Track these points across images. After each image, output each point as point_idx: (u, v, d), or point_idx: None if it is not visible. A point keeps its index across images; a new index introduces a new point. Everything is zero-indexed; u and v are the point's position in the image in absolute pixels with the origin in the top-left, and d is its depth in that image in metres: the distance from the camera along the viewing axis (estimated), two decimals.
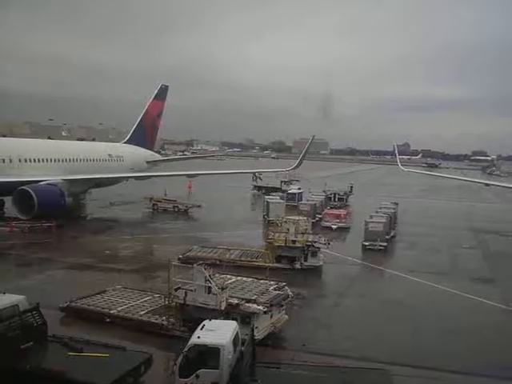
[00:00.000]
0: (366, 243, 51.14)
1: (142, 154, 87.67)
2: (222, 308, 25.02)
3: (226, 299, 25.44)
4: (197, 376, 17.86)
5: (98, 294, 31.29)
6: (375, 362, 23.17)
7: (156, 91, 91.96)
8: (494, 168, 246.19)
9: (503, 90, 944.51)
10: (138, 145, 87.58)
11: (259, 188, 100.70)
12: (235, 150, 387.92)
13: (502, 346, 27.66)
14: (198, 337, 18.76)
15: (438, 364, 24.68)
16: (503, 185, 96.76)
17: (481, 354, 26.24)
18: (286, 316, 28.37)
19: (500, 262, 49.17)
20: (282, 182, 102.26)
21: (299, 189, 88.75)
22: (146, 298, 30.78)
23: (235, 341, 19.16)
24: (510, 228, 69.30)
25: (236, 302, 25.80)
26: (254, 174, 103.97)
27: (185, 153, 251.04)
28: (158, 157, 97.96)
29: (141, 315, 28.16)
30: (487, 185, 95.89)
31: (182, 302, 25.76)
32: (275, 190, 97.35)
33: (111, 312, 28.45)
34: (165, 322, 26.72)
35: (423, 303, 34.55)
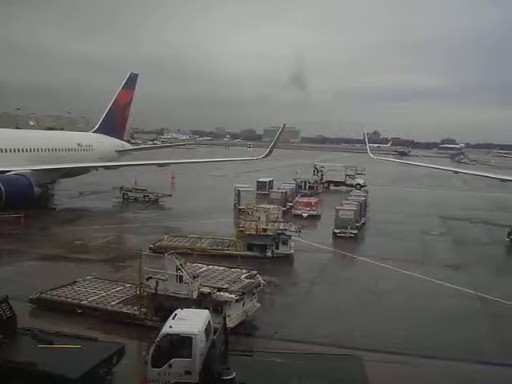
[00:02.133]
0: (337, 231, 51.47)
1: (111, 143, 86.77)
2: (194, 297, 25.01)
3: (198, 288, 25.42)
4: (169, 365, 17.83)
5: (69, 284, 30.97)
6: (348, 349, 23.43)
7: (125, 80, 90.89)
8: (462, 156, 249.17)
9: (472, 80, 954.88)
10: (107, 134, 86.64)
11: (321, 182, 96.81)
12: (206, 138, 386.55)
13: (471, 330, 28.22)
14: (170, 326, 18.72)
15: (409, 349, 25.04)
16: (471, 172, 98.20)
17: (450, 339, 26.72)
18: (258, 304, 28.47)
19: (468, 248, 49.92)
20: (346, 175, 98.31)
21: (364, 183, 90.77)
22: (117, 288, 30.60)
23: (207, 329, 19.15)
24: (478, 215, 70.33)
25: (208, 290, 25.81)
26: (315, 167, 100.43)
27: (155, 142, 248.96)
28: (127, 146, 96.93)
29: (112, 305, 28.00)
30: (456, 172, 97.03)
31: (154, 291, 25.67)
32: (338, 183, 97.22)
33: (82, 303, 28.21)
34: (136, 312, 26.61)
35: (394, 290, 34.95)
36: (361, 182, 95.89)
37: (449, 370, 23.33)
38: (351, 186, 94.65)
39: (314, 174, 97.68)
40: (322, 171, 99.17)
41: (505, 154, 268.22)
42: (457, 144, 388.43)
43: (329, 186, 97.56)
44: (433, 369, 23.43)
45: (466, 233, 57.70)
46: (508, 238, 51.19)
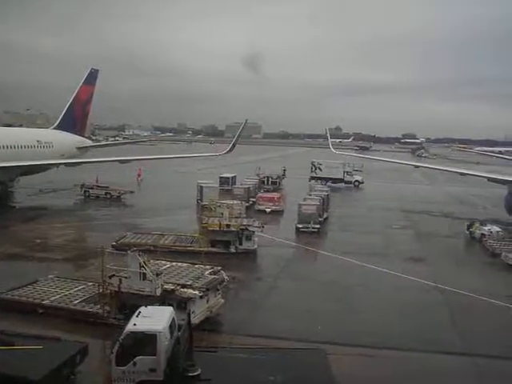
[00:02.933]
0: (300, 225, 51.75)
1: (72, 139, 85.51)
2: (158, 294, 24.94)
3: (162, 285, 25.38)
4: (134, 363, 17.71)
5: (30, 284, 30.52)
6: (312, 342, 23.59)
7: (85, 76, 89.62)
8: (422, 150, 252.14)
9: (432, 75, 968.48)
10: (67, 131, 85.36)
11: (319, 179, 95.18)
12: (168, 134, 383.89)
13: (431, 321, 28.71)
14: (134, 324, 18.59)
15: (372, 341, 25.37)
16: (431, 166, 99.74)
17: (411, 330, 27.16)
18: (223, 300, 28.48)
19: (429, 241, 50.76)
20: (344, 172, 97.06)
21: (362, 180, 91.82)
22: (79, 287, 30.27)
23: (172, 326, 19.08)
24: (439, 208, 71.43)
25: (171, 287, 25.78)
26: (312, 164, 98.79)
27: (116, 138, 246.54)
28: (88, 142, 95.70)
29: (75, 304, 27.73)
30: (416, 167, 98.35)
31: (117, 289, 25.53)
32: (337, 180, 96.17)
33: (44, 303, 27.84)
34: (100, 311, 26.38)
35: (357, 283, 35.32)
36: (359, 178, 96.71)
37: (410, 361, 23.75)
38: (349, 182, 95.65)
39: (311, 171, 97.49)
40: (320, 168, 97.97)
41: (463, 148, 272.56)
42: (417, 139, 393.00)
43: (326, 182, 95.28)
44: (395, 360, 23.80)
45: (427, 226, 58.55)
46: (468, 230, 52.09)
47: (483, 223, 52.26)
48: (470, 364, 23.91)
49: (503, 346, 25.77)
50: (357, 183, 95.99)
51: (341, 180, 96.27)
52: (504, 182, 67.50)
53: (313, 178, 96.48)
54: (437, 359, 24.14)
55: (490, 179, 75.28)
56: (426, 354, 24.48)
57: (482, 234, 49.93)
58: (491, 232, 49.83)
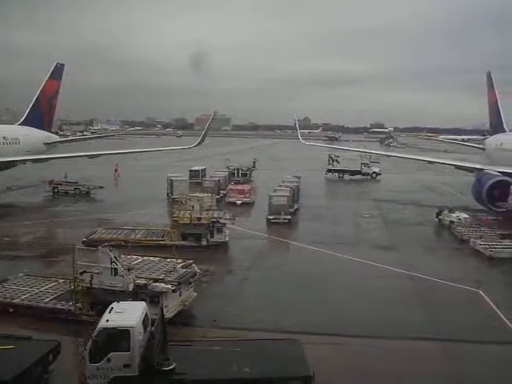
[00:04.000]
0: (271, 217, 51.89)
1: (38, 135, 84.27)
2: (130, 289, 24.83)
3: (134, 280, 25.26)
4: (108, 360, 17.65)
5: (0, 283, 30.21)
6: (286, 333, 23.69)
7: (51, 70, 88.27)
8: (391, 140, 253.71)
9: (399, 65, 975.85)
10: (34, 126, 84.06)
11: (336, 171, 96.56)
12: (137, 128, 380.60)
13: (403, 308, 29.16)
14: (107, 320, 18.52)
15: (346, 330, 25.71)
16: (400, 155, 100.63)
17: (383, 317, 27.54)
18: (195, 293, 28.49)
19: (399, 229, 51.35)
20: (362, 164, 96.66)
21: (380, 171, 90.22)
22: (50, 285, 30.00)
23: (145, 321, 19.05)
24: (408, 196, 72.18)
25: (144, 282, 25.69)
26: (330, 156, 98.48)
27: (84, 133, 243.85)
28: (56, 138, 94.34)
29: (46, 302, 27.47)
30: (388, 156, 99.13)
31: (89, 285, 25.35)
32: (354, 172, 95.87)
33: (14, 301, 27.55)
34: (72, 308, 26.19)
35: (329, 273, 35.59)
36: (377, 170, 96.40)
37: (382, 347, 24.07)
38: (367, 174, 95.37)
39: (329, 164, 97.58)
40: (337, 160, 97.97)
41: (430, 136, 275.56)
42: (386, 128, 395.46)
43: (343, 175, 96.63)
44: (369, 347, 24.08)
45: (396, 214, 59.19)
46: (436, 218, 52.78)
47: (452, 210, 52.97)
48: (440, 348, 24.35)
49: (472, 329, 26.32)
50: (374, 175, 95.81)
51: (358, 172, 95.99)
52: (471, 170, 68.51)
53: (329, 170, 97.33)
54: (408, 344, 24.56)
55: (457, 167, 76.31)
56: (397, 341, 24.92)
57: (451, 221, 50.61)
58: (459, 219, 50.51)
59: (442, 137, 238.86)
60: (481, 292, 31.70)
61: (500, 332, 26.37)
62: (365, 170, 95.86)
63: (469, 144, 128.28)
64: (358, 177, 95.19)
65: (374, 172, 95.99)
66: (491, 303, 29.95)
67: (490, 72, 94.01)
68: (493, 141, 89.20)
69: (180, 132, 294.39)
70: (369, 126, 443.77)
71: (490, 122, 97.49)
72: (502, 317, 27.98)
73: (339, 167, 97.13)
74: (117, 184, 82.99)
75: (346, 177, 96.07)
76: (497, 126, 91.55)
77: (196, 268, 29.27)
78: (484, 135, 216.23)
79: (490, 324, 27.31)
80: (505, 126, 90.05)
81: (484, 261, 39.92)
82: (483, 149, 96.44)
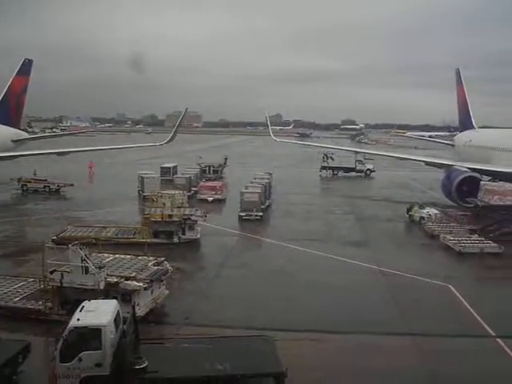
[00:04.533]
0: (243, 214, 51.90)
1: (6, 132, 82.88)
2: (101, 287, 24.64)
3: (105, 278, 25.08)
4: (79, 359, 17.45)
5: None
6: (259, 330, 23.68)
7: (19, 66, 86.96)
8: (362, 136, 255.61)
9: (370, 63, 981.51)
10: (1, 123, 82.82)
11: (330, 168, 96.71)
12: (107, 125, 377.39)
13: (375, 303, 29.40)
14: (78, 319, 18.32)
15: (318, 325, 25.83)
16: (371, 152, 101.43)
17: (356, 313, 27.76)
18: (167, 291, 28.38)
19: (371, 225, 51.72)
20: (356, 161, 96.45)
21: (374, 168, 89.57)
22: (19, 284, 29.47)
23: (117, 320, 18.88)
24: (379, 193, 72.72)
25: (115, 280, 25.50)
26: (324, 154, 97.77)
27: (54, 130, 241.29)
28: (24, 135, 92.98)
29: (15, 302, 27.01)
30: (356, 152, 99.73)
31: (59, 284, 25.08)
32: (348, 170, 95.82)
33: None
34: (42, 307, 25.85)
35: (301, 269, 35.73)
36: (371, 167, 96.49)
37: (355, 343, 24.23)
38: (361, 171, 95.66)
39: (323, 161, 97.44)
40: (332, 158, 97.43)
41: (399, 132, 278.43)
42: (357, 125, 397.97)
43: (338, 172, 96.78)
44: (341, 343, 24.25)
45: (368, 210, 59.61)
46: (407, 214, 53.25)
47: (422, 206, 53.48)
48: (411, 343, 24.62)
49: (442, 324, 26.69)
50: (368, 172, 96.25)
51: (352, 169, 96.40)
52: (441, 166, 69.30)
53: (324, 167, 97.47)
54: (380, 340, 24.76)
55: (427, 163, 77.14)
56: (370, 336, 25.08)
57: (421, 217, 51.13)
58: (430, 215, 51.06)
59: (409, 133, 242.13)
60: (451, 287, 32.09)
61: (469, 325, 26.74)
62: (359, 167, 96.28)
63: (439, 140, 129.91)
64: (353, 174, 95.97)
65: (369, 169, 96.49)
66: (461, 298, 30.34)
67: (458, 69, 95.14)
68: (462, 137, 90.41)
69: (150, 129, 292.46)
70: (340, 123, 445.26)
71: (459, 119, 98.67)
72: (472, 311, 28.37)
73: (334, 164, 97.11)
74: (91, 181, 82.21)
75: (341, 174, 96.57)
76: (466, 123, 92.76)
77: (168, 265, 29.18)
78: (450, 131, 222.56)
79: (459, 318, 27.70)
80: (473, 123, 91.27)
81: (454, 256, 40.40)
82: (453, 145, 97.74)
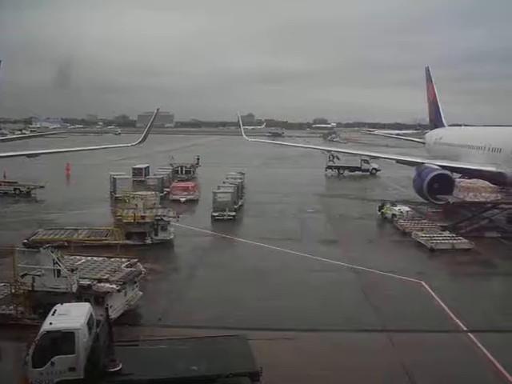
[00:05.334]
0: (215, 214, 51.79)
1: None
2: (74, 290, 24.43)
3: (77, 281, 24.84)
4: (52, 364, 17.25)
5: None
6: (233, 329, 23.64)
7: None
8: (334, 135, 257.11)
9: (341, 61, 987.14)
10: None
11: (336, 168, 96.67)
12: (78, 126, 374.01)
13: (348, 301, 29.66)
14: (50, 323, 18.11)
15: (292, 324, 25.92)
16: (343, 151, 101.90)
17: (330, 310, 27.99)
18: (141, 292, 28.24)
19: (343, 223, 52.05)
20: (361, 160, 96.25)
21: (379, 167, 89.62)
22: None
23: (90, 323, 18.71)
24: (352, 191, 73.08)
25: (88, 282, 25.28)
26: (330, 153, 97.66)
27: (23, 131, 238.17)
28: None
29: None
30: (328, 151, 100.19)
31: (30, 288, 24.79)
32: (354, 169, 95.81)
33: None
34: (13, 312, 25.47)
35: (275, 268, 35.70)
36: (376, 166, 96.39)
37: (329, 340, 24.38)
38: (367, 170, 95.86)
39: (329, 160, 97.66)
40: (337, 157, 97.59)
41: (371, 131, 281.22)
42: (329, 123, 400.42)
43: (343, 172, 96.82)
44: (316, 341, 24.35)
45: (340, 209, 59.89)
46: (379, 211, 53.64)
47: (394, 204, 53.93)
48: (385, 339, 24.81)
49: (415, 319, 26.99)
50: (374, 171, 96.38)
51: (358, 168, 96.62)
52: (412, 164, 69.93)
53: (329, 167, 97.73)
54: (355, 337, 24.99)
55: (399, 161, 77.80)
56: (344, 333, 25.34)
57: (393, 215, 51.56)
58: (401, 212, 51.52)
59: (377, 131, 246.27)
60: (423, 283, 32.45)
61: (442, 321, 27.12)
62: (364, 166, 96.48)
63: (410, 138, 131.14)
64: (358, 173, 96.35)
65: (374, 168, 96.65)
66: (433, 293, 30.70)
67: (428, 67, 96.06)
68: (432, 135, 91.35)
69: (119, 130, 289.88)
70: (312, 122, 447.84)
71: (429, 117, 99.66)
72: (444, 306, 28.76)
73: (340, 164, 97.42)
74: (66, 182, 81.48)
75: (346, 173, 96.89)
76: (436, 121, 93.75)
77: (141, 267, 29.08)
78: (416, 129, 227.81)
79: (432, 313, 28.03)
80: (444, 121, 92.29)
81: (425, 252, 40.83)
82: (423, 143, 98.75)
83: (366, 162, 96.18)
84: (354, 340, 24.59)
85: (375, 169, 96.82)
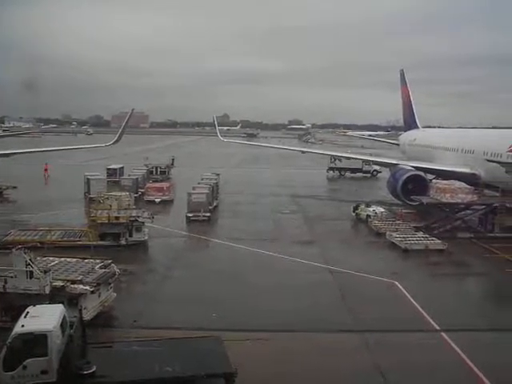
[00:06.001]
0: (190, 214, 51.63)
1: None
2: (47, 292, 24.16)
3: (50, 282, 24.57)
4: (24, 367, 17.02)
5: None
6: (208, 330, 23.55)
7: None
8: (309, 136, 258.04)
9: (316, 63, 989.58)
10: None
11: (337, 169, 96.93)
12: (52, 126, 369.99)
13: (324, 301, 29.72)
14: (22, 325, 17.90)
15: (269, 325, 25.91)
16: (317, 151, 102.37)
17: (306, 311, 27.99)
18: (115, 294, 28.05)
19: (318, 224, 52.14)
20: (363, 162, 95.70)
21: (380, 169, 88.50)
22: None
23: (63, 325, 18.53)
24: (327, 192, 73.36)
25: (61, 284, 25.02)
26: (331, 156, 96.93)
27: None
28: None
29: None
30: (303, 152, 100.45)
31: (2, 290, 24.45)
32: (355, 170, 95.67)
33: None
34: None
35: (250, 269, 35.74)
36: (377, 168, 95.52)
37: (305, 341, 24.44)
38: (368, 172, 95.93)
39: (330, 162, 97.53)
40: (339, 159, 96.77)
41: (344, 132, 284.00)
42: (303, 125, 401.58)
43: (345, 173, 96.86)
44: (291, 342, 24.36)
45: (315, 209, 60.09)
46: (353, 212, 53.91)
47: (368, 205, 54.24)
48: (359, 339, 24.94)
49: (389, 320, 27.23)
50: (375, 172, 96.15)
51: (359, 170, 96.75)
52: (386, 165, 70.51)
53: (331, 168, 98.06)
54: (329, 337, 25.05)
55: (374, 162, 78.38)
56: (318, 334, 25.39)
57: (368, 215, 51.85)
58: (376, 213, 51.82)
59: (350, 132, 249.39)
60: (397, 283, 32.67)
61: (415, 321, 27.31)
62: (366, 167, 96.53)
63: (385, 140, 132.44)
64: (359, 175, 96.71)
65: (375, 170, 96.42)
66: (407, 293, 30.94)
67: (403, 70, 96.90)
68: (407, 137, 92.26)
69: (90, 130, 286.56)
70: (287, 123, 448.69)
71: (403, 119, 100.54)
72: (417, 306, 29.02)
73: (342, 165, 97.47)
74: (44, 183, 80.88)
75: (348, 175, 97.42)
76: (410, 123, 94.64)
77: (115, 268, 28.83)
78: (387, 131, 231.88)
79: (405, 313, 28.25)
80: (417, 123, 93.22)
81: (399, 253, 41.10)
82: (398, 144, 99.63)
83: (368, 163, 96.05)
84: (328, 340, 24.67)
85: (376, 170, 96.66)
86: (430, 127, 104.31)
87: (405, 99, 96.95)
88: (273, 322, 26.24)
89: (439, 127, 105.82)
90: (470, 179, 54.55)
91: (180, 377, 17.95)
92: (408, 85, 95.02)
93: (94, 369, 17.32)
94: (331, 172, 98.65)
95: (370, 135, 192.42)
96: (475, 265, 39.23)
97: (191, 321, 26.03)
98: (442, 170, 61.52)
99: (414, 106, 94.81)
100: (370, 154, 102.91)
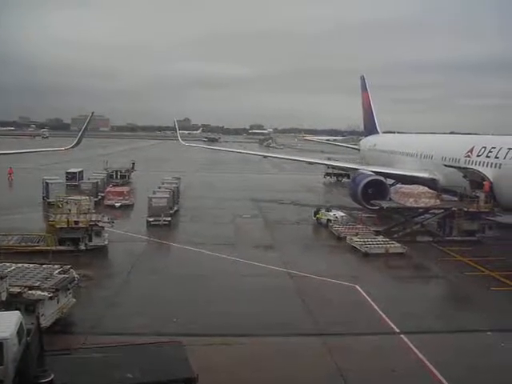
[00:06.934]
0: (151, 219, 51.25)
1: None
2: (3, 298, 23.66)
3: (7, 288, 24.07)
4: None
5: None
6: (169, 335, 23.37)
7: None
8: (270, 141, 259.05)
9: (278, 68, 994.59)
10: None
11: (334, 175, 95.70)
12: (9, 128, 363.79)
13: (284, 306, 29.76)
14: None
15: (228, 329, 25.90)
16: (279, 156, 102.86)
17: (266, 315, 28.03)
18: (74, 299, 27.61)
19: (279, 228, 52.28)
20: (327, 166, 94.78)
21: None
22: None
23: (20, 332, 18.13)
24: (288, 196, 73.54)
25: (18, 290, 24.51)
26: (328, 159, 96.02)
27: None
28: None
29: None
30: (265, 157, 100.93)
31: None
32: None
33: None
34: None
35: (211, 273, 35.58)
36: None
37: (266, 345, 24.42)
38: None
39: (328, 167, 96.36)
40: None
41: (302, 136, 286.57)
42: (265, 129, 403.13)
43: (342, 179, 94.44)
44: (253, 346, 24.36)
45: (276, 214, 60.16)
46: (314, 217, 54.19)
47: (329, 209, 54.59)
48: (320, 343, 25.05)
49: (350, 323, 27.45)
50: None
51: None
52: (347, 170, 71.16)
53: (328, 174, 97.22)
54: (290, 341, 25.12)
55: (334, 167, 78.95)
56: (280, 338, 25.41)
57: (328, 220, 52.18)
58: (336, 217, 52.19)
59: (309, 137, 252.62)
60: (357, 287, 32.96)
61: (375, 323, 27.64)
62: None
63: (345, 145, 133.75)
64: None
65: None
66: (367, 297, 31.24)
67: (363, 76, 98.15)
68: (367, 142, 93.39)
69: (47, 133, 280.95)
70: (248, 128, 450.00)
71: (364, 124, 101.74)
72: (377, 309, 29.34)
73: (338, 171, 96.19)
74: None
75: (346, 180, 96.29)
76: (371, 128, 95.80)
77: (74, 273, 28.39)
78: (343, 136, 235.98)
79: (366, 317, 28.52)
80: (378, 128, 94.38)
81: (360, 257, 41.45)
82: (358, 149, 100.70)
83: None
84: (290, 344, 24.71)
85: None
86: (390, 132, 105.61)
87: (365, 105, 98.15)
88: (234, 327, 26.19)
89: (399, 132, 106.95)
90: (429, 184, 55.40)
91: (141, 383, 17.75)
92: (368, 90, 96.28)
93: (51, 377, 16.98)
94: (328, 177, 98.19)
95: (327, 140, 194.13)
96: (434, 268, 39.75)
97: (152, 326, 25.84)
98: (402, 175, 62.39)
99: (374, 112, 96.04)
100: (329, 159, 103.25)
